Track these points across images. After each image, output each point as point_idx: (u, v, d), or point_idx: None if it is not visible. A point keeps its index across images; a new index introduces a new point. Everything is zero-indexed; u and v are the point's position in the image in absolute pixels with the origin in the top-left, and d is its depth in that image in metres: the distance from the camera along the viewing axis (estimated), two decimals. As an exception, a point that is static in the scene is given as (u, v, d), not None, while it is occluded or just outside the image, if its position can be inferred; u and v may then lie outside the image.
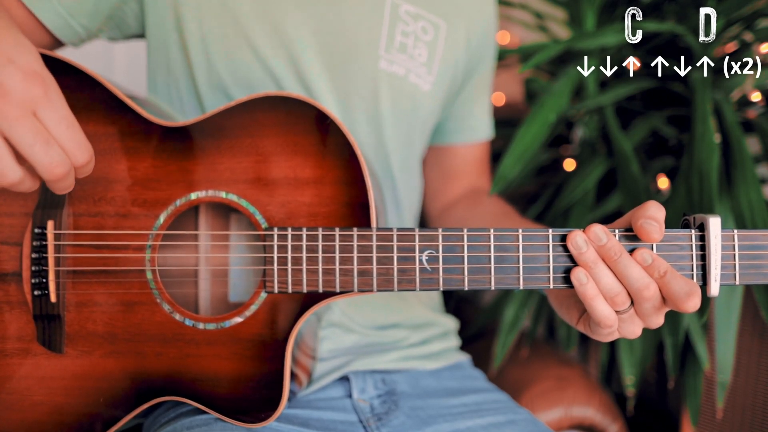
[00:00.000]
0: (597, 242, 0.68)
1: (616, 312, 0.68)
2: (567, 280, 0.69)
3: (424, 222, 1.22)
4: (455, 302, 1.54)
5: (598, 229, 0.68)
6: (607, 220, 1.32)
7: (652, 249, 0.69)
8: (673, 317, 1.13)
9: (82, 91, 0.77)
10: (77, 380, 0.77)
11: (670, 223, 1.03)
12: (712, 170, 1.06)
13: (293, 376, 0.77)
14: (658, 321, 0.69)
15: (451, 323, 1.09)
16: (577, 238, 0.68)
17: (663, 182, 1.33)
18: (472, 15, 1.05)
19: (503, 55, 1.35)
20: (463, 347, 1.12)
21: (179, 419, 0.81)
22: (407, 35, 0.97)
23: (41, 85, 0.60)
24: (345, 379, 0.93)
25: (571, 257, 0.69)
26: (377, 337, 0.98)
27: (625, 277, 0.67)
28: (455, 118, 1.13)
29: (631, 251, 0.68)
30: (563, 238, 0.69)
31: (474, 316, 1.49)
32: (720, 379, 1.14)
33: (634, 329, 0.70)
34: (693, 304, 0.65)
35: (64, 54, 0.78)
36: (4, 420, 0.77)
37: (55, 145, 0.61)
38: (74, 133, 0.62)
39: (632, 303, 0.68)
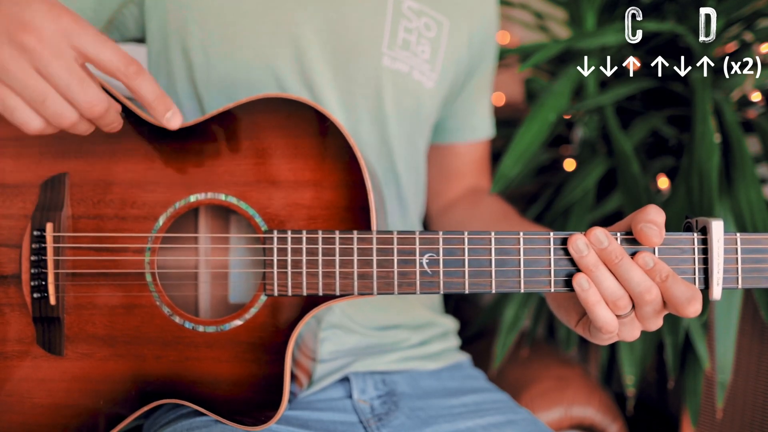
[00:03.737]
0: (598, 245, 0.68)
1: (617, 316, 0.68)
2: (568, 283, 0.69)
3: (424, 221, 1.22)
4: (455, 302, 1.54)
5: (599, 232, 0.68)
6: (607, 220, 1.33)
7: (654, 253, 0.69)
8: (674, 317, 1.13)
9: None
10: (77, 382, 0.77)
11: (670, 224, 1.03)
12: (712, 170, 1.06)
13: (293, 377, 0.77)
14: (657, 324, 0.69)
15: (451, 323, 1.09)
16: (578, 242, 0.68)
17: (663, 182, 1.33)
18: (474, 13, 1.05)
19: (503, 55, 1.35)
20: (463, 347, 1.12)
21: (179, 421, 0.81)
22: (410, 32, 0.97)
23: (67, 13, 0.62)
24: (345, 380, 0.93)
25: (572, 260, 0.69)
26: (378, 338, 0.98)
27: (626, 280, 0.67)
28: (456, 117, 1.13)
29: (633, 255, 0.68)
30: (564, 241, 0.69)
31: (474, 316, 1.49)
32: (720, 379, 1.14)
33: (633, 332, 0.69)
34: (694, 309, 0.64)
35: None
36: (4, 422, 0.77)
37: (92, 83, 0.64)
38: (114, 47, 0.64)
39: (633, 307, 0.68)
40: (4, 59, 0.61)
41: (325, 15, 0.92)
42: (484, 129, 1.16)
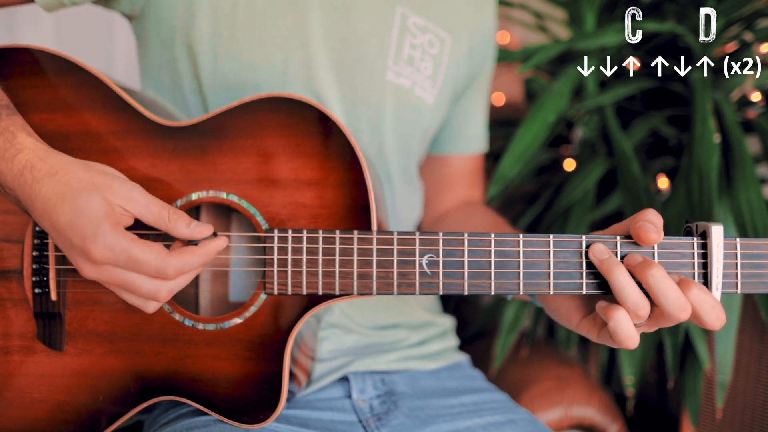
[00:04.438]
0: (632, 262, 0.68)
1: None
2: (572, 286, 0.69)
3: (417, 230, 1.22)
4: (455, 302, 1.54)
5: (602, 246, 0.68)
6: (607, 220, 1.33)
7: (654, 255, 0.69)
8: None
9: (85, 89, 0.77)
10: (77, 378, 0.77)
11: (670, 224, 1.03)
12: (712, 170, 1.06)
13: (292, 376, 0.77)
14: (655, 329, 0.69)
15: (449, 322, 1.10)
16: (598, 245, 0.68)
17: (663, 182, 1.33)
18: (475, 26, 1.05)
19: (504, 56, 1.35)
20: (463, 347, 1.12)
21: (179, 420, 0.81)
22: (415, 48, 0.97)
23: (100, 245, 0.64)
24: (344, 379, 0.93)
25: (576, 264, 0.69)
26: (377, 338, 0.98)
27: (662, 295, 0.65)
28: (450, 128, 1.12)
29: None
30: (564, 244, 0.69)
31: (474, 316, 1.49)
32: (720, 379, 1.14)
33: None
34: (721, 323, 0.65)
35: (65, 50, 0.78)
36: (4, 417, 0.77)
37: (133, 286, 0.67)
38: (143, 258, 0.65)
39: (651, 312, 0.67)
40: (92, 274, 0.67)
41: (334, 23, 0.92)
42: (478, 142, 1.16)
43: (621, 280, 0.66)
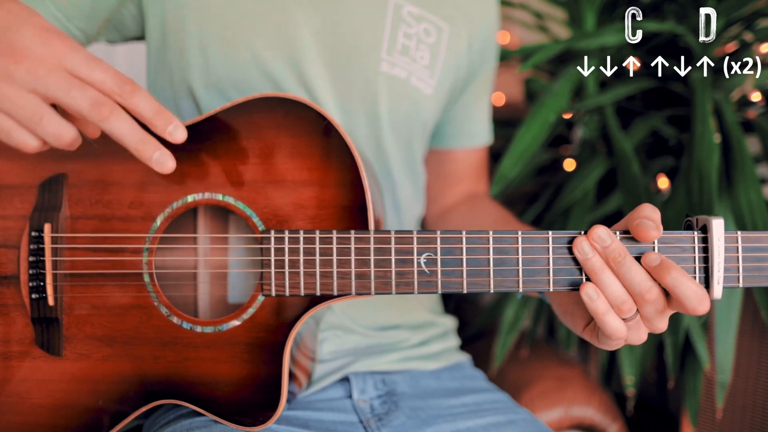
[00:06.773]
0: (601, 243, 0.67)
1: (623, 320, 0.67)
2: (570, 283, 0.69)
3: (422, 226, 1.22)
4: (455, 302, 1.54)
5: (601, 231, 0.67)
6: (607, 220, 1.33)
7: (655, 251, 0.68)
8: (673, 317, 1.13)
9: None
10: (76, 383, 0.77)
11: (670, 224, 1.03)
12: (712, 170, 1.06)
13: (293, 377, 0.77)
14: (661, 326, 0.69)
15: (451, 322, 1.09)
16: (583, 244, 0.68)
17: (663, 182, 1.33)
18: (475, 17, 1.04)
19: (504, 56, 1.35)
20: (463, 347, 1.12)
21: (178, 421, 0.81)
22: (410, 37, 0.97)
23: (58, 37, 0.63)
24: (345, 380, 0.93)
25: (574, 260, 0.69)
26: (378, 338, 0.98)
27: (628, 281, 0.66)
28: (454, 123, 1.12)
29: (638, 258, 0.68)
30: (566, 240, 0.69)
31: (474, 316, 1.49)
32: (720, 379, 1.14)
33: (640, 335, 0.69)
34: (704, 308, 0.65)
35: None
36: (3, 423, 0.77)
37: (90, 88, 0.63)
38: (106, 68, 0.63)
39: (638, 309, 0.68)
40: None
41: (324, 18, 0.92)
42: (482, 135, 1.16)
43: (603, 280, 0.67)
